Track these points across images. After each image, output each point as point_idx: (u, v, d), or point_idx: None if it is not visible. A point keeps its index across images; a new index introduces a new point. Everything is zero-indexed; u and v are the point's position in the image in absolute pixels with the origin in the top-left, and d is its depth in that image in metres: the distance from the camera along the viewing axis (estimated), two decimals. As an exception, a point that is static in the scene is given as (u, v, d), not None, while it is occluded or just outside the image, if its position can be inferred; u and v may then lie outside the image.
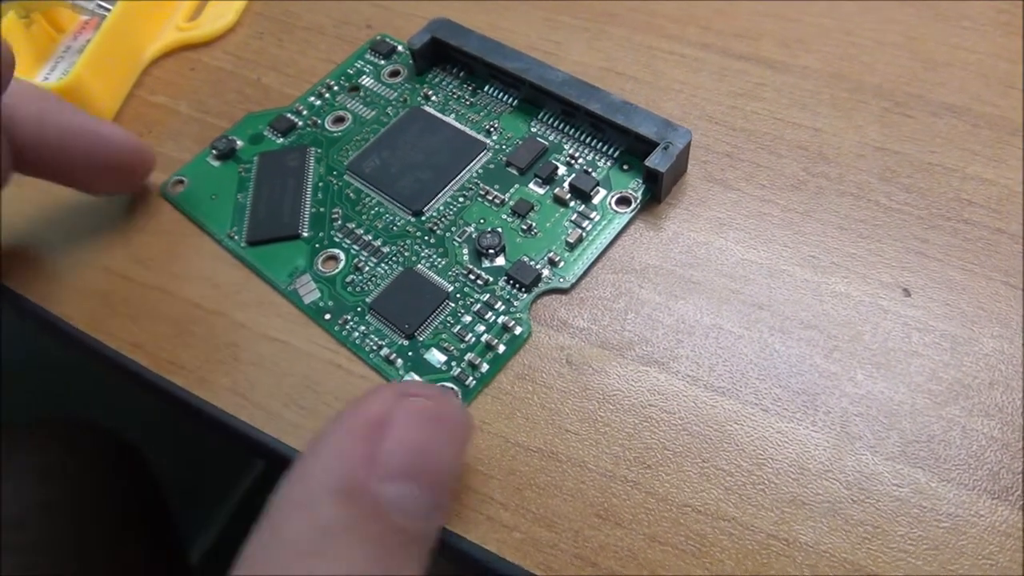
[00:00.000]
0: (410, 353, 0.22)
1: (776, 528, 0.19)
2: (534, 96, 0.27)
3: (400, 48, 0.30)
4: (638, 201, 0.24)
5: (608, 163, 0.25)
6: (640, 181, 0.25)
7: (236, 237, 0.26)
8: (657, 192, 0.24)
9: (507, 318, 0.23)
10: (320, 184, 0.26)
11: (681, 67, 0.28)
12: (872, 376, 0.21)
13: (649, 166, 0.23)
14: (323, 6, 0.32)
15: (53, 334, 0.25)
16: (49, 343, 0.27)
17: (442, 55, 0.29)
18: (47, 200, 0.28)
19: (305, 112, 0.29)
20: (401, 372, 0.22)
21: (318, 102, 0.29)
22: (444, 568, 0.20)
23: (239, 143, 0.28)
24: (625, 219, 0.24)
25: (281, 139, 0.28)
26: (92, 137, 0.25)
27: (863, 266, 0.22)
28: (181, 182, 0.27)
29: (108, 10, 0.30)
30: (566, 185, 0.25)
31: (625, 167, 0.25)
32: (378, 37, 0.30)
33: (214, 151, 0.28)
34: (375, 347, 0.23)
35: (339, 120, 0.28)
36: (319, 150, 0.27)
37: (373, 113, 0.28)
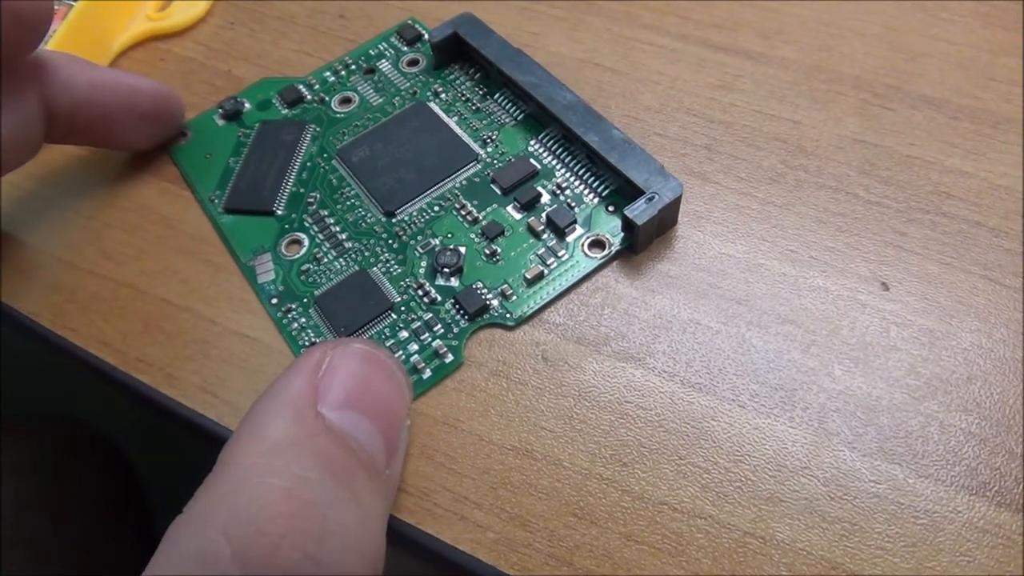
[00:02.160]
0: None
1: (753, 526, 0.18)
2: (540, 114, 0.25)
3: (426, 36, 0.29)
4: (612, 248, 0.23)
5: (595, 200, 0.24)
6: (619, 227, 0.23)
7: (216, 201, 0.25)
8: (634, 243, 0.23)
9: (441, 343, 0.22)
10: (308, 164, 0.26)
11: (659, 58, 0.27)
12: (850, 371, 0.20)
13: (627, 215, 0.22)
14: (296, -5, 0.32)
15: (17, 330, 0.24)
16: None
17: (462, 52, 0.28)
18: (13, 194, 0.27)
19: (317, 86, 0.28)
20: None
21: (332, 78, 0.28)
22: (418, 568, 0.20)
23: (247, 106, 0.28)
24: (592, 265, 0.23)
25: (286, 110, 0.28)
26: (125, 89, 0.25)
27: (841, 260, 0.22)
28: (184, 135, 0.27)
29: (75, -1, 0.30)
30: (543, 216, 0.23)
31: (611, 208, 0.23)
32: (408, 21, 0.30)
33: (220, 110, 0.28)
34: (308, 343, 0.22)
35: (346, 101, 0.28)
36: (318, 128, 0.27)
37: (380, 100, 0.27)
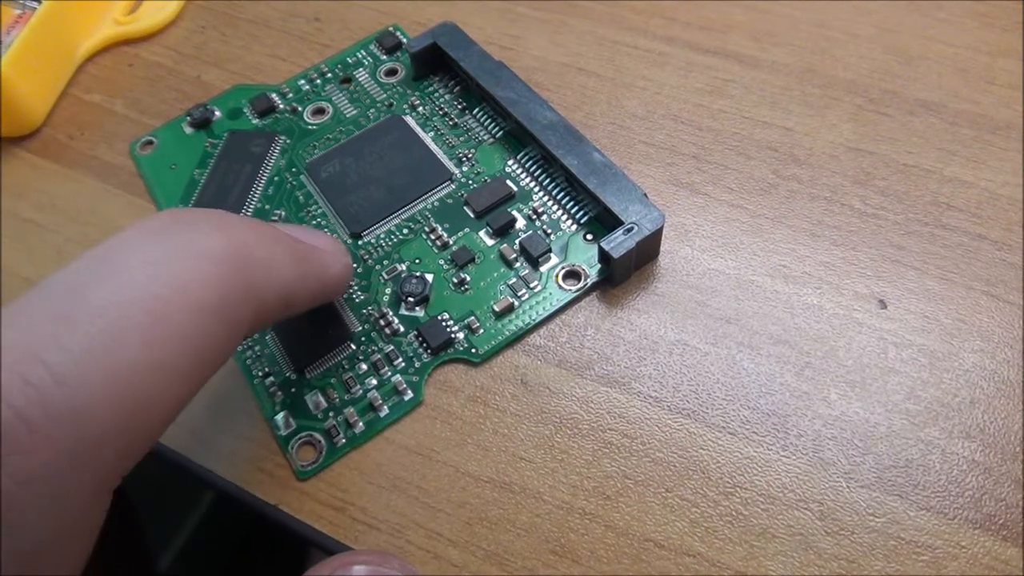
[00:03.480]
0: (293, 389, 0.21)
1: (744, 564, 0.17)
2: (519, 132, 0.24)
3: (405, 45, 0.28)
4: (587, 280, 0.21)
5: (573, 227, 0.22)
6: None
7: None
8: (611, 275, 0.21)
9: (401, 378, 0.20)
10: (275, 179, 0.25)
11: (645, 62, 0.26)
12: (846, 395, 0.19)
13: (603, 247, 0.20)
14: (269, -2, 0.30)
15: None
16: None
17: (442, 63, 0.26)
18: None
19: (290, 95, 0.27)
20: (277, 408, 0.20)
21: (307, 86, 0.27)
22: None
23: (217, 114, 0.27)
24: (566, 298, 0.21)
25: (257, 119, 0.26)
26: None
27: (837, 276, 0.21)
28: (151, 143, 0.26)
29: (39, 3, 0.29)
30: (517, 243, 0.22)
31: (588, 236, 0.22)
32: (389, 28, 0.28)
33: (189, 118, 0.27)
34: (262, 373, 0.21)
35: (319, 112, 0.26)
36: (288, 140, 0.26)
37: (355, 112, 0.26)
